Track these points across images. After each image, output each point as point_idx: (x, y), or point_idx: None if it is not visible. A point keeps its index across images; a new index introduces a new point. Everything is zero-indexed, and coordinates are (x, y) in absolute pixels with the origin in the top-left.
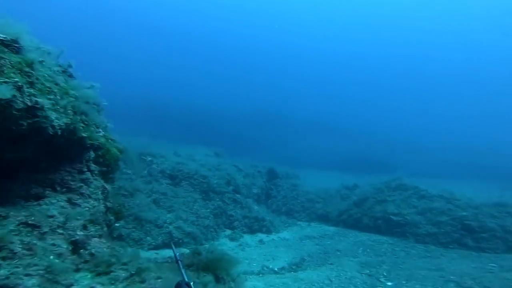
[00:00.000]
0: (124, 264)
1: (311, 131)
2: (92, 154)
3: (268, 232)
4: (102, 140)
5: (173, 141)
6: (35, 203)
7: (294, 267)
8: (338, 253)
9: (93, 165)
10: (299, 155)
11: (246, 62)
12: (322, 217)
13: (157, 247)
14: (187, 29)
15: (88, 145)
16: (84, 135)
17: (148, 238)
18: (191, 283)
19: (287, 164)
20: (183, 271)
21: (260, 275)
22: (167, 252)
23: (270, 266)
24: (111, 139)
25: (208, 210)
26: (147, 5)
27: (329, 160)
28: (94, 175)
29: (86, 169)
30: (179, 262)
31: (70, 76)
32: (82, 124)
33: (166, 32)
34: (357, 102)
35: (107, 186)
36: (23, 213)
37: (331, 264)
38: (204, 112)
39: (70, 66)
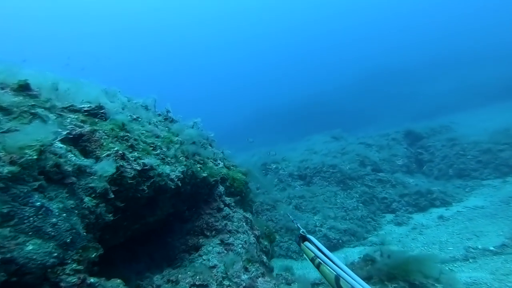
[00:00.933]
0: None
1: (441, 67)
2: (221, 188)
3: (446, 204)
4: (224, 171)
5: (282, 141)
6: (197, 254)
7: None
8: None
9: (227, 198)
10: (435, 100)
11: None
12: None
13: None
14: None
15: (213, 182)
16: (204, 174)
17: None
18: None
19: (425, 118)
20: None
21: (470, 260)
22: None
23: (479, 246)
24: (233, 166)
25: (353, 200)
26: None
27: (484, 92)
28: (231, 207)
29: (223, 205)
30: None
31: (172, 121)
32: (198, 165)
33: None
34: None
35: (248, 215)
36: (189, 273)
37: None
38: (294, 105)
39: (168, 111)
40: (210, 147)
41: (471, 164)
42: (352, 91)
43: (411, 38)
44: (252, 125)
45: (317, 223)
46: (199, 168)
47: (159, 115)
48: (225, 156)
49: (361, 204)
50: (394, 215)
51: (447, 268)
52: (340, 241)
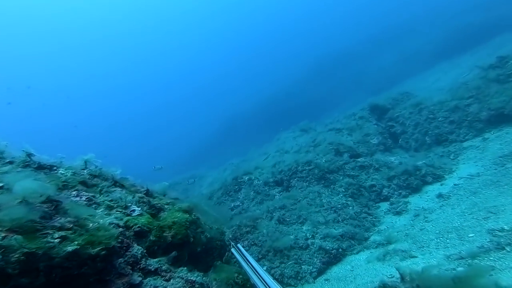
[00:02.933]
0: None
1: (381, 43)
2: (136, 249)
3: (438, 178)
4: (143, 220)
5: (254, 146)
6: None
7: None
8: None
9: (152, 261)
10: (384, 73)
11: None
12: (498, 118)
13: (320, 271)
14: None
15: (99, 252)
16: (71, 248)
17: (304, 267)
18: None
19: (381, 91)
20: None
21: (507, 248)
22: (337, 269)
23: (505, 227)
24: (168, 204)
25: (340, 196)
26: None
27: (424, 57)
28: (163, 272)
29: (140, 277)
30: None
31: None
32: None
33: None
34: None
35: (195, 277)
36: None
37: None
38: (258, 108)
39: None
40: (118, 188)
41: (444, 126)
42: (308, 81)
43: (346, 22)
44: (222, 137)
45: (307, 235)
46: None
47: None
48: (153, 192)
49: (350, 199)
50: (388, 203)
51: (492, 271)
52: (340, 249)
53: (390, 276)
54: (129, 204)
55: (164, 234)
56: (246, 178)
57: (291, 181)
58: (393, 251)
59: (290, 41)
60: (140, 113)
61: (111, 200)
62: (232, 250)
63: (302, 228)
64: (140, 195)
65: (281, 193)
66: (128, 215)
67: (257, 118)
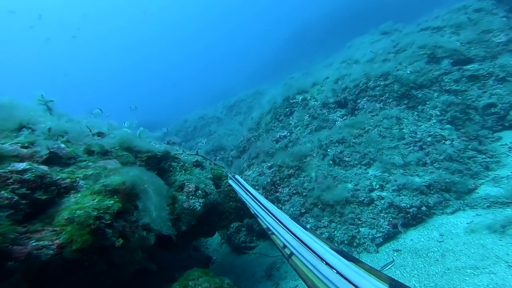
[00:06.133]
0: None
1: None
2: None
3: None
4: None
5: (321, 56)
6: None
7: None
8: None
9: None
10: None
11: None
12: None
13: (388, 237)
14: None
15: None
16: None
17: (363, 230)
18: None
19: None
20: None
21: None
22: (416, 236)
23: None
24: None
25: (433, 122)
26: None
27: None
28: None
29: None
30: None
31: None
32: None
33: None
34: None
35: None
36: None
37: None
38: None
39: None
40: None
41: None
42: None
43: None
44: (291, 49)
45: (373, 184)
46: None
47: None
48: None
49: (448, 127)
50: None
51: None
52: (423, 208)
53: None
54: None
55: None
56: (300, 98)
57: (359, 101)
58: None
59: None
60: None
61: None
62: (229, 181)
63: (367, 173)
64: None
65: (345, 117)
66: None
67: (330, 23)
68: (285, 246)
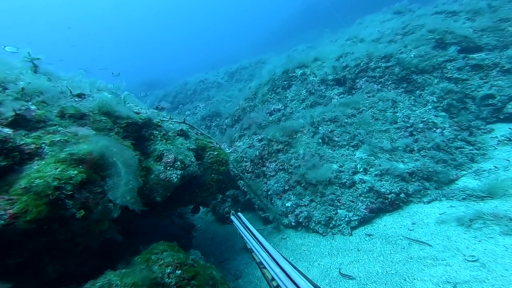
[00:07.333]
0: None
1: None
2: None
3: None
4: None
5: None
6: None
7: None
8: None
9: None
10: None
11: None
12: None
13: (364, 221)
14: None
15: None
16: None
17: (340, 212)
18: None
19: None
20: None
21: None
22: (389, 221)
23: None
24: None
25: (428, 109)
26: None
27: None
28: None
29: None
30: None
31: None
32: None
33: None
34: None
35: None
36: None
37: None
38: None
39: None
40: None
41: None
42: None
43: None
44: (299, 22)
45: (358, 167)
46: None
47: None
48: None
49: (442, 114)
50: (511, 126)
51: None
52: (402, 195)
53: (471, 258)
54: None
55: None
56: (299, 72)
57: (357, 81)
58: (493, 215)
59: None
60: None
61: None
62: (232, 217)
63: (354, 155)
64: None
65: (342, 95)
66: None
67: None
68: (273, 279)
